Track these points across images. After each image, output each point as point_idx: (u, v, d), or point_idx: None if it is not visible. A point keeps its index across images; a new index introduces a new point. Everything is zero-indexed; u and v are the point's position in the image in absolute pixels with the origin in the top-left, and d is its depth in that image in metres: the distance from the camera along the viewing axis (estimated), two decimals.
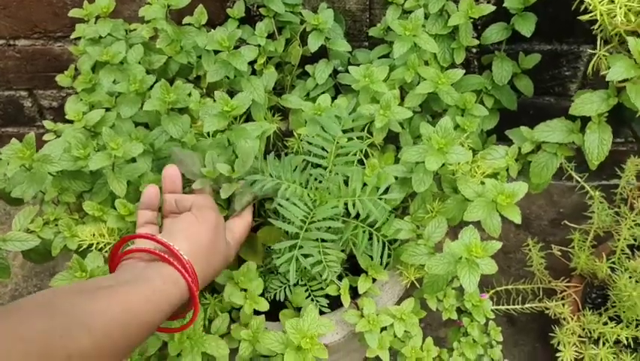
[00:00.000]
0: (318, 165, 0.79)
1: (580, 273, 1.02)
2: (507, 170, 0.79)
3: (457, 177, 0.76)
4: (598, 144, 0.70)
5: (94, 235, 0.74)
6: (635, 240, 1.00)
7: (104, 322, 0.51)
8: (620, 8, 0.64)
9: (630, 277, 0.96)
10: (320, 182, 0.77)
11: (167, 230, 0.66)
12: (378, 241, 0.76)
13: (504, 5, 0.83)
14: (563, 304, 0.99)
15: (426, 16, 0.84)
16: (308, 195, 0.73)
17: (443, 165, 0.74)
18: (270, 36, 0.96)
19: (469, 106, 0.80)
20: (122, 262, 0.62)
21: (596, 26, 0.67)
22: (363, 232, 0.76)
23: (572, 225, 1.05)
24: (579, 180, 1.01)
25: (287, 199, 0.72)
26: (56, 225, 0.77)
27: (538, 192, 0.80)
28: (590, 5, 0.66)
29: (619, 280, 0.93)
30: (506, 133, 0.81)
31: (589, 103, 0.68)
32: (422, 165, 0.73)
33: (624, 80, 0.64)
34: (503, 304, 1.03)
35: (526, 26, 0.81)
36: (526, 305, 1.00)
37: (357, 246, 0.77)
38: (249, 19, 1.02)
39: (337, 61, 0.93)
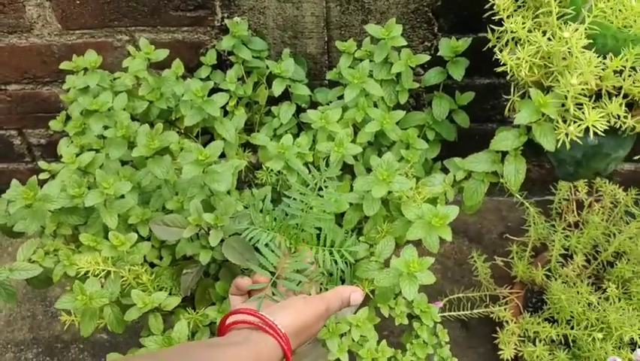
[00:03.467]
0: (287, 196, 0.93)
1: (520, 280, 1.18)
2: (445, 194, 0.94)
3: (401, 202, 0.91)
4: (515, 173, 0.85)
5: (90, 262, 0.87)
6: (566, 249, 1.16)
7: None
8: (526, 62, 0.80)
9: (564, 283, 1.12)
10: (286, 213, 0.90)
11: (272, 306, 0.75)
12: (342, 260, 0.91)
13: (438, 54, 0.99)
14: (506, 309, 1.14)
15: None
16: (286, 244, 0.86)
17: (389, 192, 0.89)
18: (241, 78, 1.11)
19: (411, 141, 0.96)
20: (230, 329, 0.72)
21: (508, 76, 0.83)
22: (329, 253, 0.90)
23: (514, 238, 1.21)
24: (518, 197, 1.17)
25: (266, 245, 0.85)
26: (56, 255, 0.90)
27: (473, 212, 0.95)
28: (502, 59, 0.82)
29: (552, 286, 1.09)
30: (444, 163, 0.97)
31: (505, 140, 0.84)
32: (370, 193, 0.87)
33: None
34: (456, 311, 1.18)
35: (457, 71, 0.97)
36: (475, 311, 1.15)
37: (322, 265, 0.91)
38: (221, 63, 1.17)
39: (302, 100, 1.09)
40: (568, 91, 0.74)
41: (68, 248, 0.92)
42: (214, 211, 0.84)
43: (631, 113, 0.78)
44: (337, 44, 1.05)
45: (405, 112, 0.96)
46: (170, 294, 0.90)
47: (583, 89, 0.76)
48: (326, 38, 1.15)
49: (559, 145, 0.79)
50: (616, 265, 1.12)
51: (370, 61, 0.99)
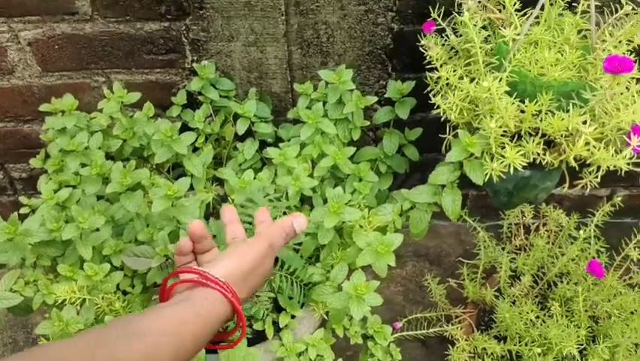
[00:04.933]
0: (249, 223, 1.03)
1: (472, 301, 1.27)
2: (394, 223, 1.04)
3: (353, 231, 1.01)
4: (452, 203, 0.96)
5: (67, 291, 0.96)
6: (515, 271, 1.26)
7: (157, 329, 0.56)
8: (456, 106, 0.91)
9: (512, 302, 1.22)
10: None
11: (214, 260, 0.70)
12: (297, 285, 1.00)
13: (386, 96, 1.10)
14: (460, 328, 1.23)
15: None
16: None
17: (344, 222, 0.99)
18: (210, 116, 1.21)
19: (362, 174, 1.06)
20: (172, 293, 0.67)
21: (442, 118, 0.94)
22: (285, 278, 1.00)
23: (467, 260, 1.31)
24: (471, 223, 1.28)
25: None
26: (35, 285, 0.98)
27: (419, 238, 1.05)
28: (436, 103, 0.93)
29: (499, 305, 1.19)
30: (392, 194, 1.07)
31: (441, 174, 0.95)
32: (324, 224, 0.97)
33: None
34: (414, 331, 1.27)
35: (403, 111, 1.09)
36: (430, 330, 1.25)
37: (282, 290, 1.01)
38: (192, 102, 1.27)
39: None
40: (490, 133, 0.85)
41: (47, 278, 1.00)
42: None
43: (549, 151, 0.89)
44: (295, 87, 1.16)
45: (355, 148, 1.07)
46: None
47: (505, 131, 0.87)
48: (289, 78, 1.26)
49: (486, 179, 0.89)
50: (559, 285, 1.22)
51: (325, 102, 1.10)
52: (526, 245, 1.31)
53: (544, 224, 1.32)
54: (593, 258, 1.24)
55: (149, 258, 0.95)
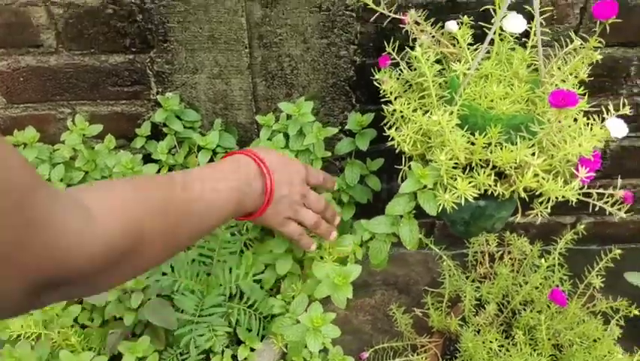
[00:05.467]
0: (208, 256, 1.03)
1: (438, 330, 1.28)
2: (354, 254, 1.05)
3: (313, 263, 1.02)
4: (409, 233, 0.97)
5: (22, 326, 0.95)
6: (479, 300, 1.27)
7: (197, 175, 0.77)
8: (410, 138, 0.93)
9: (477, 331, 1.23)
10: (208, 274, 1.01)
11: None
12: (255, 318, 1.01)
13: (346, 128, 1.12)
14: (425, 357, 1.24)
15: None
16: (198, 289, 0.97)
17: (304, 253, 1.00)
18: (174, 147, 1.22)
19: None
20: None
21: (396, 150, 0.96)
22: (244, 311, 1.00)
23: (433, 289, 1.32)
24: (437, 251, 1.29)
25: (183, 294, 0.96)
26: None
27: (380, 268, 1.06)
28: (390, 135, 0.95)
29: (463, 334, 1.20)
30: (354, 225, 1.08)
31: (398, 205, 0.96)
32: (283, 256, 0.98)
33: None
34: (381, 360, 1.27)
35: (363, 143, 1.11)
36: (396, 360, 1.25)
37: (240, 322, 1.01)
38: (157, 133, 1.28)
39: None
40: (441, 165, 0.87)
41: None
42: None
43: (500, 182, 0.91)
44: (257, 118, 1.18)
45: None
46: (98, 354, 0.98)
47: (456, 163, 0.89)
48: (254, 109, 1.28)
49: (440, 210, 0.91)
50: (523, 313, 1.23)
51: (286, 133, 1.12)
52: (491, 273, 1.32)
53: (509, 252, 1.34)
54: (556, 286, 1.25)
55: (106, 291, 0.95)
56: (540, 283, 1.26)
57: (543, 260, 1.25)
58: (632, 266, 1.36)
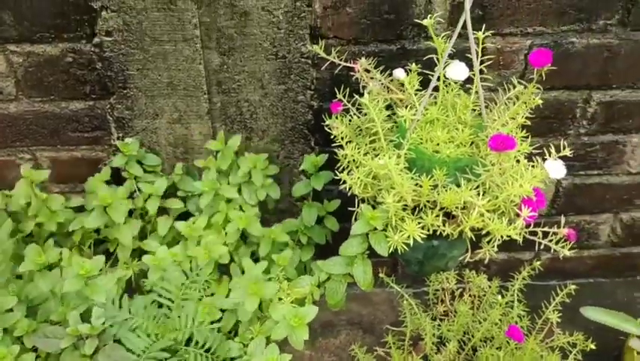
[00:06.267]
0: (169, 299, 1.05)
1: None
2: (312, 295, 1.08)
3: (271, 304, 1.04)
4: (362, 273, 1.00)
5: None
6: (439, 338, 1.30)
7: None
8: (360, 181, 0.97)
9: None
10: (167, 317, 1.03)
11: None
12: None
13: (302, 168, 1.17)
14: None
15: None
16: (154, 332, 0.98)
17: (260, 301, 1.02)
18: (136, 190, 1.25)
19: (275, 236, 1.11)
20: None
21: (348, 193, 1.00)
22: (200, 355, 1.01)
23: (394, 328, 1.34)
24: (399, 289, 1.32)
25: (138, 336, 0.97)
26: None
27: (337, 308, 1.08)
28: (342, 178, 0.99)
29: None
30: (311, 265, 1.11)
31: (351, 247, 1.00)
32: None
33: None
34: None
35: (318, 183, 1.16)
36: None
37: None
38: (119, 177, 1.30)
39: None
40: (389, 206, 0.91)
41: None
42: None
43: (448, 222, 0.95)
44: (195, 162, 1.23)
45: (256, 209, 1.17)
46: None
47: (405, 205, 0.93)
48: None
49: (391, 250, 0.94)
50: (483, 350, 1.26)
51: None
52: (451, 311, 1.35)
53: (469, 289, 1.38)
54: (515, 322, 1.29)
55: (60, 339, 0.95)
56: (499, 320, 1.29)
57: (500, 297, 1.29)
58: (589, 300, 1.41)
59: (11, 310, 1.01)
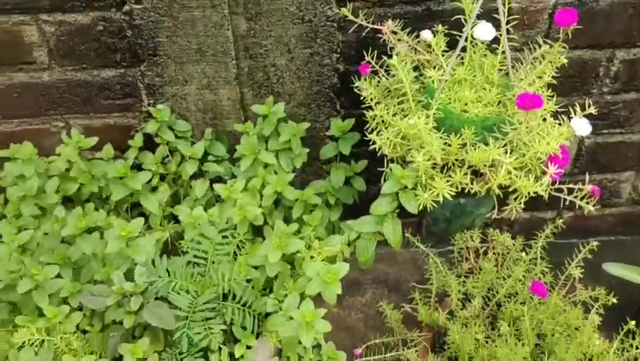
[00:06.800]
0: (203, 258, 1.10)
1: (427, 324, 1.35)
2: (342, 253, 1.12)
3: (303, 262, 1.09)
4: (392, 231, 1.05)
5: (26, 334, 1.01)
6: (464, 294, 1.34)
7: None
8: (390, 141, 1.01)
9: (464, 324, 1.30)
10: (203, 275, 1.08)
11: None
12: (250, 316, 1.08)
13: (329, 133, 1.21)
14: (415, 351, 1.31)
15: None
16: (193, 289, 1.04)
17: (295, 253, 1.07)
18: (167, 156, 1.29)
19: (307, 198, 1.15)
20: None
21: (379, 153, 1.03)
22: (238, 309, 1.07)
23: (420, 286, 1.39)
24: (424, 248, 1.36)
25: (178, 293, 1.03)
26: None
27: (367, 266, 1.13)
28: (371, 139, 1.02)
29: (451, 327, 1.27)
30: (341, 225, 1.16)
31: (381, 205, 1.04)
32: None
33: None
34: (374, 355, 1.34)
35: (345, 147, 1.20)
36: (388, 355, 1.32)
37: (235, 321, 1.08)
38: (151, 143, 1.35)
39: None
40: (419, 165, 0.95)
41: (6, 330, 1.06)
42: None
43: (476, 180, 0.99)
44: (235, 127, 1.26)
45: (294, 174, 1.20)
46: (100, 357, 1.05)
47: (434, 164, 0.96)
48: (243, 118, 1.35)
49: (420, 208, 0.98)
50: (507, 305, 1.31)
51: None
52: (476, 269, 1.40)
53: (493, 248, 1.42)
54: (538, 278, 1.33)
55: (106, 297, 1.01)
56: (523, 276, 1.33)
57: (524, 254, 1.33)
58: (611, 257, 1.45)
59: (59, 275, 1.07)
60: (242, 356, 1.07)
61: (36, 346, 1.02)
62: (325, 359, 1.13)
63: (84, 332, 1.10)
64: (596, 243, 1.24)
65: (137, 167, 1.31)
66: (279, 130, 1.20)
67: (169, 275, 1.04)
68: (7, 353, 1.03)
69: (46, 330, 1.04)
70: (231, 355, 1.08)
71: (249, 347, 1.09)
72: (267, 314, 1.11)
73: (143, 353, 1.02)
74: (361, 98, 1.08)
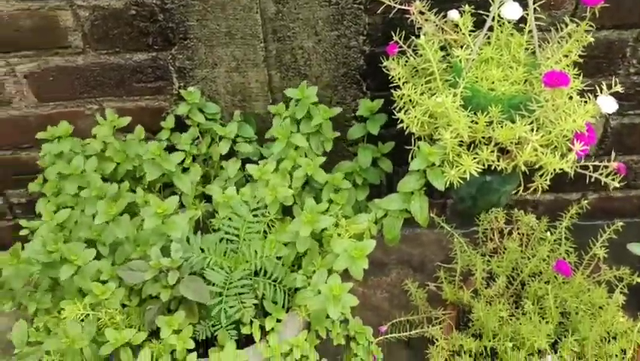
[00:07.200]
0: (235, 235, 1.15)
1: (451, 302, 1.38)
2: (369, 230, 1.16)
3: (331, 239, 1.13)
4: (419, 209, 1.08)
5: (72, 310, 1.06)
6: (489, 273, 1.37)
7: None
8: (418, 120, 1.03)
9: (489, 302, 1.33)
10: (235, 252, 1.12)
11: None
12: (280, 291, 1.12)
13: (358, 113, 1.23)
14: (440, 328, 1.34)
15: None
16: (227, 265, 1.08)
17: (323, 230, 1.11)
18: (197, 138, 1.34)
19: (336, 182, 1.19)
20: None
21: (405, 132, 1.06)
22: (269, 285, 1.11)
23: (446, 265, 1.42)
24: (449, 229, 1.39)
25: (212, 269, 1.07)
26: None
27: (393, 244, 1.16)
28: (399, 118, 1.05)
29: (475, 305, 1.30)
30: (368, 204, 1.19)
31: (408, 183, 1.07)
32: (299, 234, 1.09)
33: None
34: (399, 332, 1.37)
35: (374, 127, 1.22)
36: (413, 332, 1.35)
37: (266, 296, 1.12)
38: (181, 125, 1.39)
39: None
40: (446, 143, 0.97)
41: (52, 317, 1.11)
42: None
43: (503, 157, 1.01)
44: (270, 108, 1.29)
45: (325, 157, 1.23)
46: (139, 330, 1.09)
47: (461, 141, 0.99)
48: (271, 100, 1.39)
49: (447, 185, 1.01)
50: (531, 284, 1.33)
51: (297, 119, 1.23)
52: (501, 248, 1.42)
53: (517, 228, 1.44)
54: (562, 258, 1.35)
55: (143, 271, 1.06)
56: (547, 256, 1.35)
57: (549, 234, 1.35)
58: (635, 238, 1.46)
59: (97, 257, 1.12)
60: (272, 329, 1.11)
61: (81, 320, 1.07)
62: (352, 333, 1.17)
63: (123, 305, 1.15)
64: (620, 223, 1.26)
65: (168, 148, 1.35)
66: (311, 113, 1.23)
67: (202, 252, 1.08)
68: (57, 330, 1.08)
69: (90, 305, 1.08)
70: (262, 328, 1.12)
71: (279, 321, 1.13)
72: (297, 290, 1.15)
73: (179, 325, 1.07)
74: (389, 78, 1.11)
